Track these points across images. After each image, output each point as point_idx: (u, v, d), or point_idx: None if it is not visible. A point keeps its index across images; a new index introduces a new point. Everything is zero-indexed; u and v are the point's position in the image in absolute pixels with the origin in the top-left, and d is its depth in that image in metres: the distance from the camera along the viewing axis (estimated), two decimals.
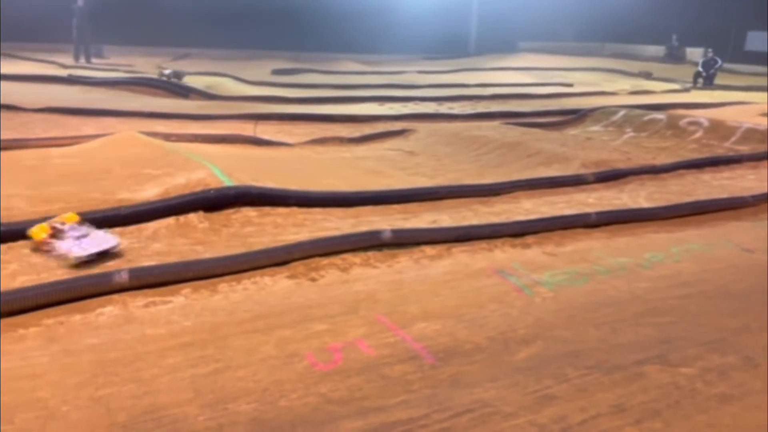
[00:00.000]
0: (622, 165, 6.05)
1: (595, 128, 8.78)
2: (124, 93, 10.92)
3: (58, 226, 3.31)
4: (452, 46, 24.68)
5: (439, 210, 4.49)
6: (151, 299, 2.86)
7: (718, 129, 7.94)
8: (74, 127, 6.91)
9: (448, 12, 24.86)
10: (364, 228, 3.87)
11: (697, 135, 7.86)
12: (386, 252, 3.56)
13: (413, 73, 17.67)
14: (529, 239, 3.91)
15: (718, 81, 17.37)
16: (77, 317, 2.67)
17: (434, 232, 3.85)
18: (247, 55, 19.42)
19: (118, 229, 3.62)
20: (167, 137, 6.23)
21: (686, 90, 16.16)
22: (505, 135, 7.34)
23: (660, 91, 15.28)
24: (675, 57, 22.35)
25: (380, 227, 3.81)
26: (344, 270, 3.32)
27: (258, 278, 3.15)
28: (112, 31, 18.23)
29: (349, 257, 3.45)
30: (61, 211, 3.70)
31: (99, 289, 2.84)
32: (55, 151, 5.58)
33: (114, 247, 3.29)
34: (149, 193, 4.13)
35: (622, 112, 9.10)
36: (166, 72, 12.86)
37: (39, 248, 3.25)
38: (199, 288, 3.00)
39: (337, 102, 10.97)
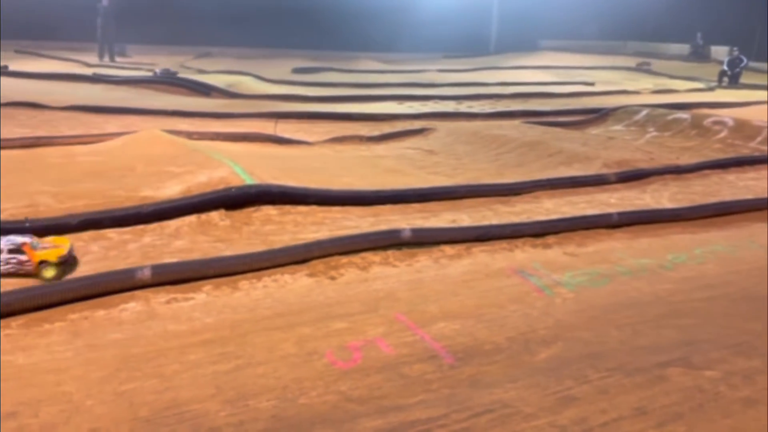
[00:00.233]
0: (644, 165, 5.98)
1: (617, 127, 8.69)
2: (147, 91, 11.05)
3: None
4: (473, 44, 24.54)
5: (458, 209, 4.48)
6: (173, 296, 2.89)
7: (744, 129, 7.80)
8: (98, 125, 7.00)
9: (469, 10, 24.73)
10: (383, 227, 3.87)
11: (722, 135, 7.73)
12: (405, 251, 3.56)
13: (433, 71, 17.61)
14: (550, 239, 3.88)
15: (743, 80, 17.06)
16: (101, 313, 2.71)
17: (454, 232, 3.84)
18: (267, 53, 19.51)
19: (140, 227, 3.68)
20: (189, 135, 6.29)
21: (711, 89, 15.90)
22: (526, 134, 7.29)
23: (684, 90, 15.05)
24: (699, 56, 22.00)
25: (399, 226, 3.81)
26: (364, 269, 3.33)
27: (278, 276, 3.17)
28: (136, 30, 18.43)
29: (368, 256, 3.46)
30: (86, 208, 3.77)
31: (122, 285, 2.87)
32: (79, 149, 5.67)
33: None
34: (172, 190, 4.17)
35: (645, 112, 8.99)
36: (157, 70, 13.24)
37: None
38: (220, 285, 3.02)
39: (357, 101, 10.97)
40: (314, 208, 4.18)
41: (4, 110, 7.45)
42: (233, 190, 4.07)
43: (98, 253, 3.34)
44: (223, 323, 2.69)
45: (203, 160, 4.79)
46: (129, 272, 2.94)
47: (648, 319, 2.87)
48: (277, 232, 3.78)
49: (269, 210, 4.06)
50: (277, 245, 3.48)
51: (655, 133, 8.13)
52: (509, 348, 2.57)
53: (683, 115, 8.54)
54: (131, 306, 2.77)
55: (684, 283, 3.33)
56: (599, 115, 9.35)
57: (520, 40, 24.05)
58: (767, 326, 2.83)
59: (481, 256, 3.59)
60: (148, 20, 19.25)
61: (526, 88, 13.67)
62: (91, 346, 2.46)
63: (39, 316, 2.64)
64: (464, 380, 2.31)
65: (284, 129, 7.62)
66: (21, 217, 3.50)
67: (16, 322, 2.59)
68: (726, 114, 8.85)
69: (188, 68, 15.93)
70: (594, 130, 8.54)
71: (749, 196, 5.03)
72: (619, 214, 4.31)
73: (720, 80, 17.40)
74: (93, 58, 16.53)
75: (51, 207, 3.81)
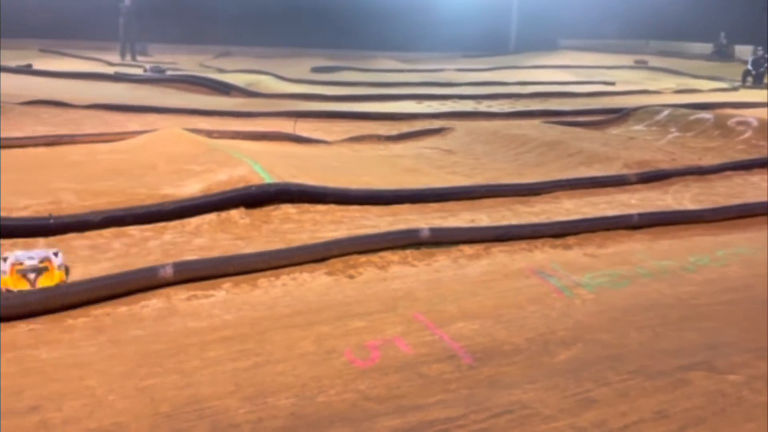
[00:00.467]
0: (666, 165, 5.91)
1: (638, 128, 8.60)
2: (168, 90, 11.17)
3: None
4: (492, 43, 24.42)
5: (477, 209, 4.46)
6: (193, 293, 2.92)
7: None
8: (120, 124, 7.09)
9: (488, 9, 24.61)
10: (401, 226, 3.88)
11: (746, 135, 7.61)
12: (424, 251, 3.56)
13: (452, 71, 17.56)
14: (570, 240, 3.85)
15: None
16: (123, 309, 2.75)
17: (473, 232, 3.83)
18: (286, 52, 19.60)
19: (161, 224, 3.72)
20: (210, 134, 6.35)
21: (734, 89, 15.66)
22: (545, 134, 7.24)
23: (707, 90, 14.85)
24: (723, 55, 21.69)
25: (418, 226, 3.81)
26: (382, 268, 3.33)
27: (297, 274, 3.18)
28: (157, 29, 18.62)
29: (387, 255, 3.46)
30: (108, 205, 3.82)
31: (145, 283, 2.89)
32: (101, 147, 5.74)
33: None
34: (192, 188, 4.21)
35: (666, 112, 8.88)
36: (148, 67, 13.71)
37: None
38: (240, 283, 3.05)
39: (376, 100, 10.99)
40: (333, 207, 4.19)
41: (29, 108, 7.58)
42: (253, 188, 4.10)
43: (120, 250, 3.38)
44: (242, 320, 2.71)
45: (223, 159, 4.83)
46: (152, 270, 2.96)
47: (669, 322, 2.84)
48: (296, 231, 3.80)
49: (288, 208, 4.08)
50: (296, 243, 3.49)
51: (677, 134, 8.03)
52: (528, 349, 2.55)
53: (706, 115, 8.42)
54: (152, 303, 2.81)
55: (706, 286, 3.29)
56: (620, 115, 9.26)
57: (540, 40, 23.88)
58: None
59: (500, 257, 3.57)
60: (169, 20, 19.45)
61: (546, 88, 13.59)
62: (114, 341, 2.50)
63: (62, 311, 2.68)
64: (483, 381, 2.31)
65: (303, 128, 7.65)
66: (45, 214, 3.55)
67: (40, 317, 2.63)
68: (750, 114, 8.71)
69: (208, 67, 16.07)
70: (614, 130, 8.46)
71: None
72: (640, 215, 4.27)
73: (744, 80, 17.16)
74: (115, 57, 16.73)
75: (73, 204, 3.87)
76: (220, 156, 4.95)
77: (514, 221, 4.18)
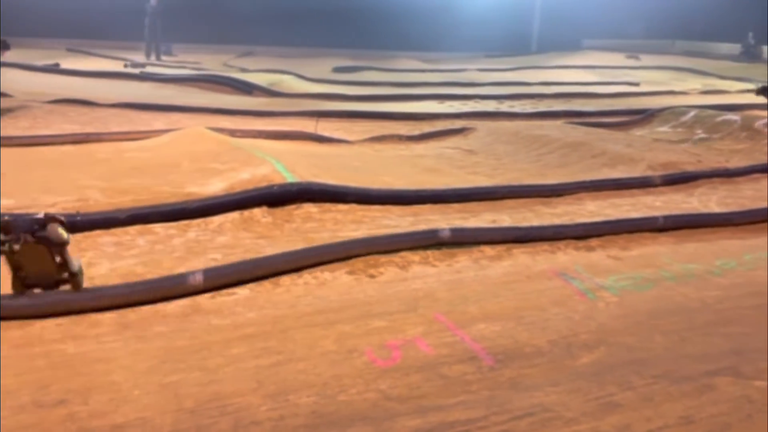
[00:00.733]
0: (692, 167, 5.82)
1: (663, 129, 8.48)
2: (192, 89, 11.29)
3: None
4: (514, 43, 24.27)
5: (498, 210, 4.44)
6: (216, 291, 2.94)
7: None
8: (145, 122, 7.18)
9: (510, 9, 24.47)
10: (422, 226, 3.87)
11: None
12: (445, 251, 3.55)
13: (474, 71, 17.48)
14: (593, 242, 3.81)
15: None
16: (148, 306, 2.78)
17: (494, 232, 3.81)
18: (308, 52, 19.68)
19: (185, 222, 3.76)
20: (233, 133, 6.40)
21: (760, 91, 15.36)
22: (568, 134, 7.18)
23: (734, 91, 14.59)
24: (751, 55, 21.29)
25: (439, 226, 3.80)
26: (403, 268, 3.33)
27: (318, 273, 3.20)
28: (181, 29, 18.84)
29: (407, 255, 3.46)
30: (133, 203, 3.87)
31: (175, 291, 2.89)
32: (127, 145, 5.82)
33: None
34: (215, 187, 4.25)
35: (692, 113, 8.75)
36: (128, 63, 14.28)
37: None
38: (262, 281, 3.06)
39: (397, 100, 10.98)
40: (354, 206, 4.20)
41: (56, 107, 7.71)
42: (275, 187, 4.13)
43: (144, 247, 3.43)
44: (264, 318, 2.73)
45: (246, 158, 4.87)
46: (182, 277, 2.95)
47: (695, 326, 2.80)
48: (318, 230, 3.82)
49: (310, 208, 4.10)
50: (317, 243, 3.51)
51: (703, 135, 7.91)
52: (550, 351, 2.53)
53: (733, 116, 8.27)
54: (176, 300, 2.84)
55: (733, 290, 3.24)
56: (644, 116, 9.14)
57: (563, 39, 23.67)
58: None
59: (521, 258, 3.55)
60: (193, 20, 19.66)
61: (569, 88, 13.45)
62: (138, 337, 2.53)
63: None
64: (504, 382, 2.30)
65: (325, 128, 7.68)
66: (72, 211, 3.62)
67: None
68: None
69: (231, 67, 16.19)
70: (639, 132, 8.36)
71: None
72: (665, 217, 4.21)
73: None
74: (140, 57, 16.96)
75: (99, 201, 3.93)
76: (242, 155, 4.99)
77: (536, 222, 4.15)
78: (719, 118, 8.27)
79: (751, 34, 21.54)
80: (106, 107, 7.98)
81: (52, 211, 3.67)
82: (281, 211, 4.01)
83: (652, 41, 23.13)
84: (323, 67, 16.55)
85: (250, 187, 4.15)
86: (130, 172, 4.75)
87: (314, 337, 2.59)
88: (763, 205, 4.71)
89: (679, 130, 8.34)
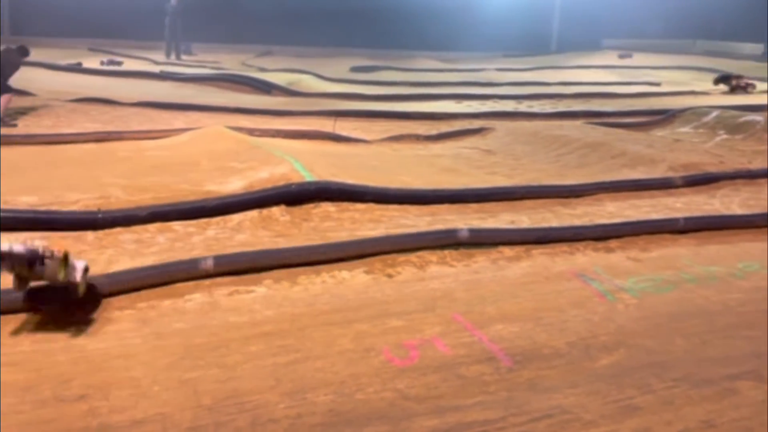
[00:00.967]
0: (713, 168, 5.73)
1: (684, 129, 8.37)
2: (211, 89, 11.38)
3: None
4: (533, 43, 24.09)
5: (517, 210, 4.42)
6: (234, 288, 2.97)
7: None
8: (165, 121, 7.26)
9: (530, 9, 24.29)
10: (440, 226, 3.86)
11: None
12: (463, 251, 3.54)
13: (492, 70, 17.40)
14: (613, 243, 3.78)
15: None
16: (167, 302, 2.81)
17: (513, 233, 3.79)
18: (327, 52, 19.73)
19: (204, 220, 3.79)
20: (251, 132, 6.44)
21: None
22: (588, 135, 7.12)
23: (757, 92, 14.37)
24: None
25: (457, 226, 3.79)
26: (421, 267, 3.33)
27: (336, 272, 3.21)
28: (200, 29, 18.98)
29: (425, 255, 3.45)
30: (153, 200, 3.91)
31: (187, 274, 2.97)
32: (147, 144, 5.89)
33: None
34: (234, 185, 4.28)
35: (714, 113, 8.62)
36: (105, 60, 14.72)
37: None
38: (280, 279, 3.08)
39: (415, 99, 10.96)
40: (372, 205, 4.20)
41: (79, 105, 7.82)
42: (293, 186, 4.14)
43: (164, 245, 3.46)
44: (282, 316, 2.74)
45: (265, 157, 4.90)
46: (193, 262, 3.03)
47: (716, 329, 2.77)
48: (335, 229, 3.82)
49: (328, 207, 4.11)
50: (335, 241, 3.52)
51: (725, 136, 7.79)
52: (569, 353, 2.52)
53: (756, 117, 8.14)
54: (195, 297, 2.86)
55: (755, 293, 3.19)
56: (665, 117, 9.03)
57: (583, 39, 23.45)
58: None
59: (540, 259, 3.53)
60: (212, 20, 19.79)
61: (588, 88, 13.32)
62: (158, 334, 2.56)
63: (110, 304, 2.75)
64: (522, 384, 2.29)
65: (343, 127, 7.69)
66: (94, 209, 3.66)
67: (89, 307, 2.71)
68: None
69: (250, 66, 16.27)
70: (659, 132, 8.26)
71: None
72: (686, 219, 4.16)
73: None
74: (160, 57, 17.11)
75: (120, 199, 3.98)
76: (261, 154, 5.01)
77: (555, 223, 4.12)
78: (742, 119, 8.14)
79: None
80: (127, 106, 8.07)
81: (74, 208, 3.73)
82: (299, 210, 4.03)
83: (673, 41, 22.84)
84: (341, 66, 16.58)
85: (269, 185, 4.17)
86: (151, 170, 4.80)
87: (332, 335, 2.59)
88: None
89: (701, 130, 8.22)
